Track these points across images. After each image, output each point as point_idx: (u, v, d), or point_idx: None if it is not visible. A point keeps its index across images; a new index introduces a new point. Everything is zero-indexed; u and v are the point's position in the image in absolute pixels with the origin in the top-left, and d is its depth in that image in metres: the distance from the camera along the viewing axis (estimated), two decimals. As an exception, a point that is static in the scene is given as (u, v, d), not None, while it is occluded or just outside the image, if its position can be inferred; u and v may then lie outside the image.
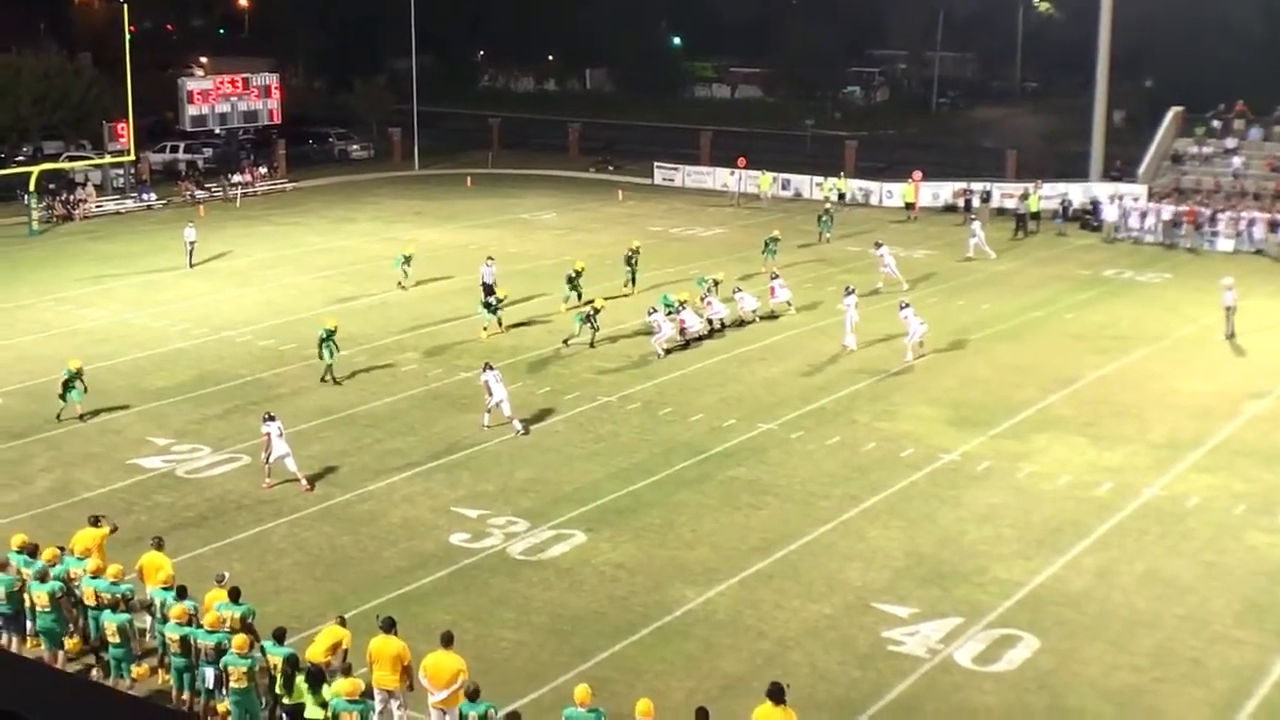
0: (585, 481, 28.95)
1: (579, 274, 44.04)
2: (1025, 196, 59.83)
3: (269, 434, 28.51)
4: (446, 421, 32.97)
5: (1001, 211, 61.54)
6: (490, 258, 45.45)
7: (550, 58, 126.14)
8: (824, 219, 56.77)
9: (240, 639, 18.61)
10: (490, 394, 32.00)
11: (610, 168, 78.51)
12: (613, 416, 33.40)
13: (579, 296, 43.21)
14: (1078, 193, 62.89)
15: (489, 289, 43.11)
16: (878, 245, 48.23)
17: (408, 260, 47.26)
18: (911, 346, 38.15)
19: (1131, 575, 24.30)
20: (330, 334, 36.01)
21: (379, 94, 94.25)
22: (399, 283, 47.11)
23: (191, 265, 51.10)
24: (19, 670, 5.18)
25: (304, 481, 28.62)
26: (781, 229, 55.04)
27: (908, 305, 39.04)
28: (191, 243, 51.48)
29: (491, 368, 32.61)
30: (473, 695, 17.18)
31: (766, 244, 49.91)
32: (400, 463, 30.09)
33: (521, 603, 23.20)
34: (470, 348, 39.51)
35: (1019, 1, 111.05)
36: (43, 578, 20.69)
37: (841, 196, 66.32)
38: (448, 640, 18.34)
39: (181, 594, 20.24)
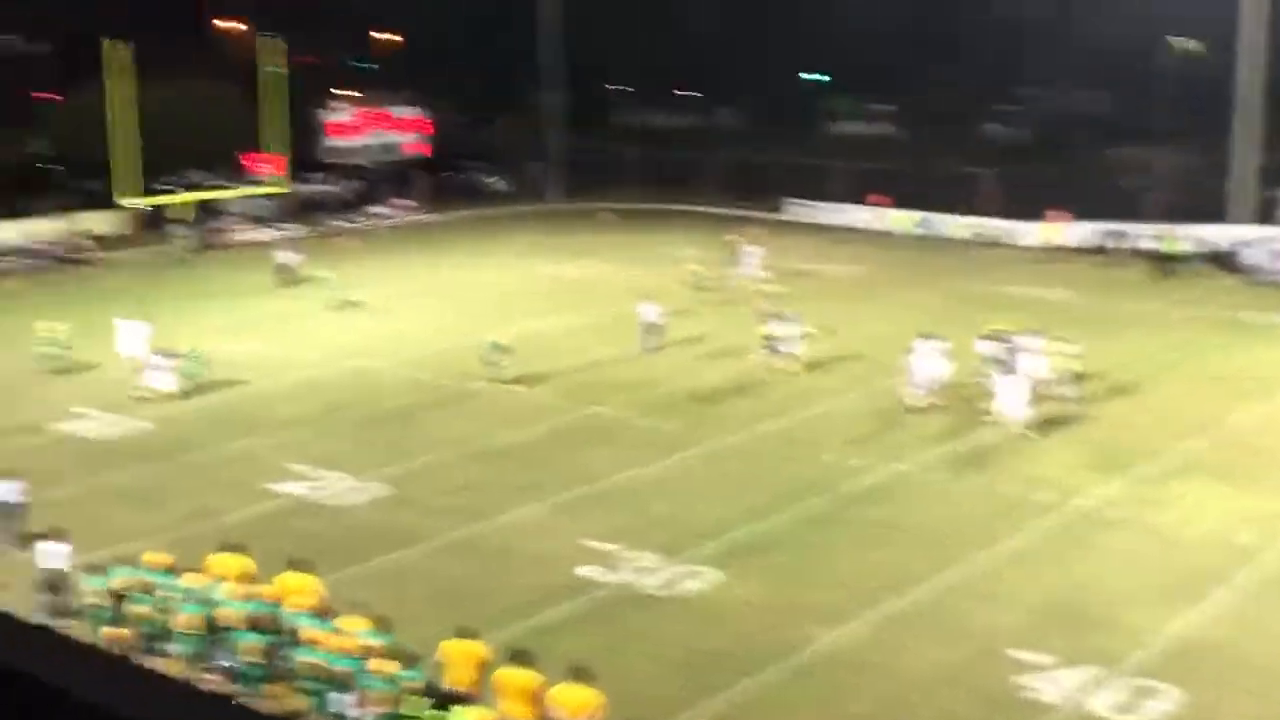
0: (718, 517, 28.95)
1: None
2: (1165, 237, 58.93)
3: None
4: (581, 455, 33.17)
5: (1141, 252, 60.63)
6: (651, 299, 45.14)
7: (689, 93, 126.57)
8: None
9: (376, 665, 18.85)
10: None
11: (743, 202, 78.53)
12: (747, 452, 33.39)
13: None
14: (1219, 234, 61.79)
15: (650, 327, 43.09)
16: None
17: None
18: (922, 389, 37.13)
19: (1275, 625, 23.77)
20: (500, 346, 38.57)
21: (519, 128, 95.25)
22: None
23: (285, 286, 52.08)
24: (160, 688, 5.28)
25: None
26: (918, 267, 54.69)
27: (930, 338, 38.03)
28: (284, 264, 52.77)
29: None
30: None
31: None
32: (533, 495, 30.30)
33: (653, 637, 23.25)
34: (603, 382, 39.71)
35: (1162, 38, 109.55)
36: (191, 600, 21.12)
37: (977, 236, 65.83)
38: (579, 673, 18.43)
39: (323, 618, 20.56)
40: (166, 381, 37.67)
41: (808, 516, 29.12)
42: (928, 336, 37.78)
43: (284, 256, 54.26)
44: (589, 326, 46.84)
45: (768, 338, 40.22)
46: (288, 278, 53.38)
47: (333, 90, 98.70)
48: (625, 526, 28.34)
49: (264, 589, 21.69)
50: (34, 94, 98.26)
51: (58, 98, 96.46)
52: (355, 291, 50.77)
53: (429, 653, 20.08)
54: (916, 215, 69.31)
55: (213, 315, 48.85)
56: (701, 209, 77.85)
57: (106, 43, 59.56)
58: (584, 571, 25.97)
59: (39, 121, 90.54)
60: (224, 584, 21.86)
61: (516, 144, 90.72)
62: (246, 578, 22.40)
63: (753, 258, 54.05)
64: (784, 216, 74.51)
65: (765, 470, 32.13)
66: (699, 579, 25.78)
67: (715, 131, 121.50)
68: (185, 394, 37.87)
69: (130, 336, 40.32)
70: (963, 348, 38.73)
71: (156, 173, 71.98)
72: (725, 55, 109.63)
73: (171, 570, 22.38)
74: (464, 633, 20.06)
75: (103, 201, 68.19)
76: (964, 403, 37.31)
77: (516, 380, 38.97)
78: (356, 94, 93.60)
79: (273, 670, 20.58)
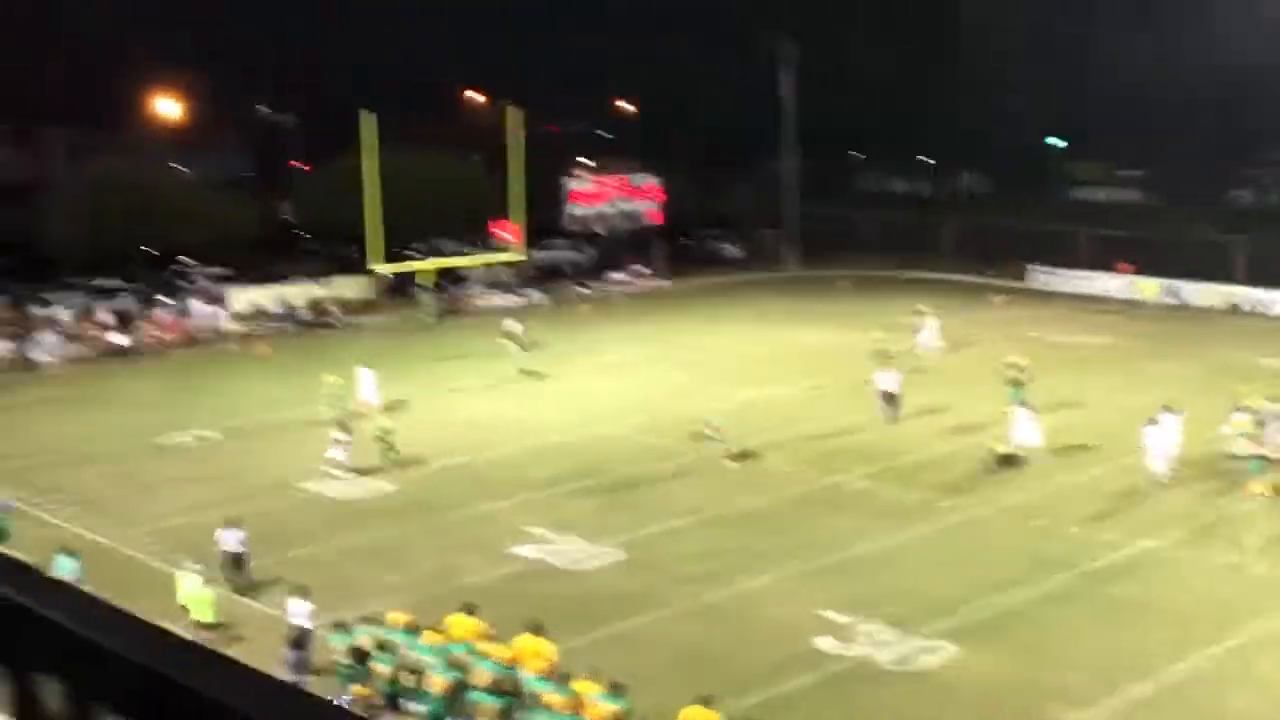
0: (957, 592, 28.34)
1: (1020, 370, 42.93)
2: None
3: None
4: (818, 523, 32.87)
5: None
6: (890, 361, 44.79)
7: (926, 159, 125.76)
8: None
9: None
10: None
11: (988, 271, 77.27)
12: (989, 525, 32.69)
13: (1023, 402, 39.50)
14: None
15: (891, 398, 42.54)
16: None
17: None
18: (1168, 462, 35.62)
19: None
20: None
21: (754, 196, 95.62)
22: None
23: (516, 353, 52.92)
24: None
25: None
26: (1168, 337, 53.05)
27: (1174, 411, 36.47)
28: (512, 334, 53.59)
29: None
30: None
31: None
32: (770, 564, 30.08)
33: (889, 714, 22.84)
34: (841, 450, 39.33)
35: None
36: (446, 664, 21.40)
37: (1236, 307, 63.89)
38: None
39: (559, 682, 20.67)
40: (343, 456, 37.40)
41: (1050, 593, 28.34)
42: (1171, 409, 36.57)
43: (510, 325, 55.25)
44: (827, 394, 46.51)
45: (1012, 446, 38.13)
46: (516, 345, 54.24)
47: (573, 158, 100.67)
48: (862, 598, 27.94)
49: (501, 651, 21.90)
50: (290, 163, 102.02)
51: (305, 166, 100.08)
52: (540, 364, 51.60)
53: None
54: (1165, 283, 67.45)
55: (453, 378, 49.76)
56: (940, 276, 76.90)
57: (362, 115, 61.57)
58: (820, 643, 25.67)
59: (290, 189, 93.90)
60: (466, 645, 22.16)
61: (753, 211, 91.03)
62: (482, 639, 22.67)
63: (930, 329, 53.61)
64: (1029, 284, 73.18)
65: (1006, 544, 31.40)
66: (935, 654, 25.28)
67: (956, 197, 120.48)
68: (360, 470, 38.32)
69: (368, 384, 44.22)
70: (1216, 420, 37.52)
71: (403, 240, 74.11)
72: (968, 120, 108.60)
73: (413, 630, 22.77)
74: (702, 701, 20.00)
75: (350, 267, 70.40)
76: (1216, 477, 36.04)
77: (736, 455, 38.38)
78: (595, 162, 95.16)
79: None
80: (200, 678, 1.79)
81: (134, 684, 1.82)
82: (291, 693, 1.88)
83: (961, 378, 47.71)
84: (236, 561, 29.07)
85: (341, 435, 37.62)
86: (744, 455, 38.48)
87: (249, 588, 28.73)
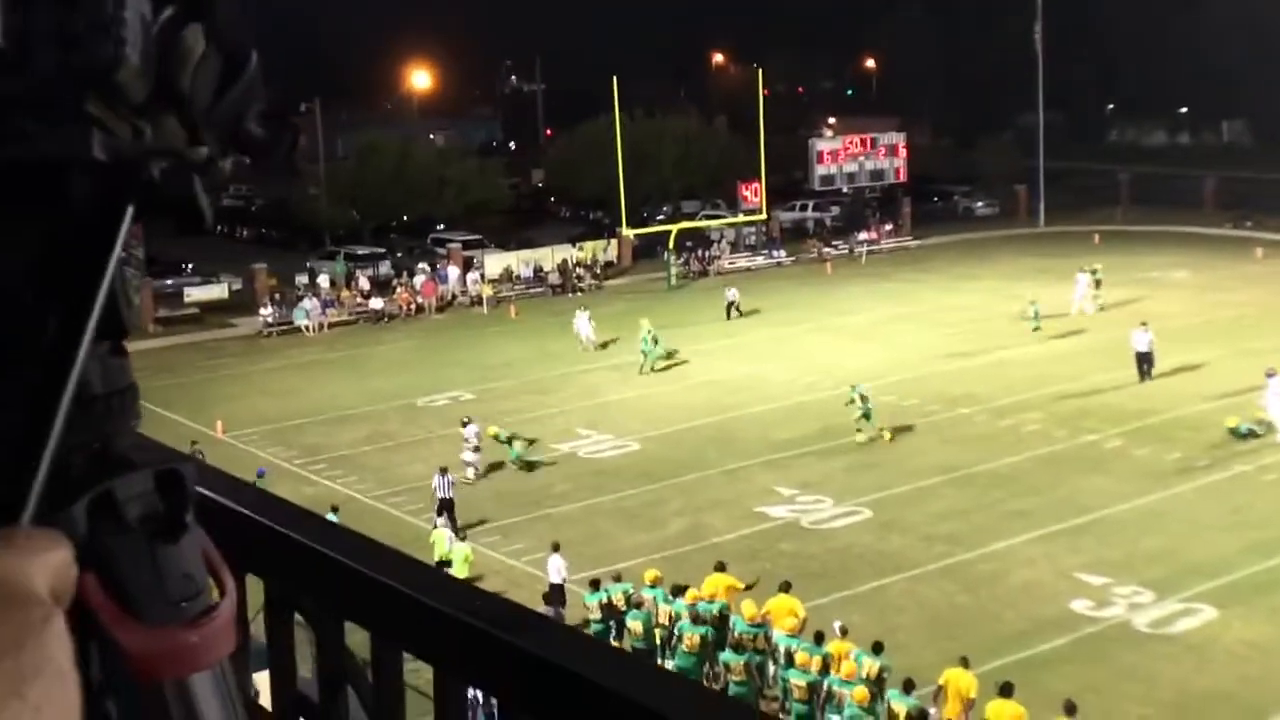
0: (1217, 554, 27.58)
1: None
2: None
3: None
4: (1071, 484, 32.27)
5: None
6: (1144, 323, 42.94)
7: (1184, 110, 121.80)
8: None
9: (860, 691, 18.92)
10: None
11: (1248, 224, 74.64)
12: (1249, 486, 31.67)
13: None
14: None
15: (1145, 357, 41.36)
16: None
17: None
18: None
19: None
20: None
21: (1003, 151, 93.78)
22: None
23: (729, 318, 53.83)
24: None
25: None
26: None
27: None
28: (731, 302, 53.96)
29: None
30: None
31: None
32: (1022, 524, 29.69)
33: (1146, 677, 22.39)
34: (1096, 409, 38.47)
35: None
36: (695, 619, 21.73)
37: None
38: (1070, 710, 18.02)
39: (818, 641, 20.81)
40: (472, 458, 34.64)
41: (1317, 555, 27.42)
42: None
43: (730, 294, 55.29)
44: (1082, 350, 45.48)
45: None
46: (733, 312, 54.46)
47: (821, 118, 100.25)
48: (1117, 560, 27.41)
49: (751, 609, 22.09)
50: (547, 131, 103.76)
51: (548, 132, 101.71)
52: (774, 326, 52.04)
53: (921, 682, 20.08)
54: None
55: (697, 340, 49.86)
56: (1197, 230, 74.37)
57: (615, 81, 62.26)
58: (1074, 605, 25.29)
59: (541, 156, 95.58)
60: (719, 604, 22.45)
61: (1001, 166, 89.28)
62: (732, 596, 22.93)
63: (1081, 285, 52.45)
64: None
65: (1268, 505, 30.37)
66: (1195, 617, 24.69)
67: (1216, 149, 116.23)
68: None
69: (582, 324, 48.30)
70: None
71: (649, 203, 74.80)
72: (1233, 69, 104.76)
73: (663, 587, 23.13)
74: (962, 663, 20.03)
75: (597, 230, 71.44)
76: None
77: (891, 431, 36.77)
78: (842, 121, 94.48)
79: (760, 689, 20.95)
80: (615, 677, 1.82)
81: (539, 680, 1.87)
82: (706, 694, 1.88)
83: (1222, 334, 46.17)
84: (447, 506, 30.58)
85: (470, 436, 34.93)
86: (897, 432, 36.90)
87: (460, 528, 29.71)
